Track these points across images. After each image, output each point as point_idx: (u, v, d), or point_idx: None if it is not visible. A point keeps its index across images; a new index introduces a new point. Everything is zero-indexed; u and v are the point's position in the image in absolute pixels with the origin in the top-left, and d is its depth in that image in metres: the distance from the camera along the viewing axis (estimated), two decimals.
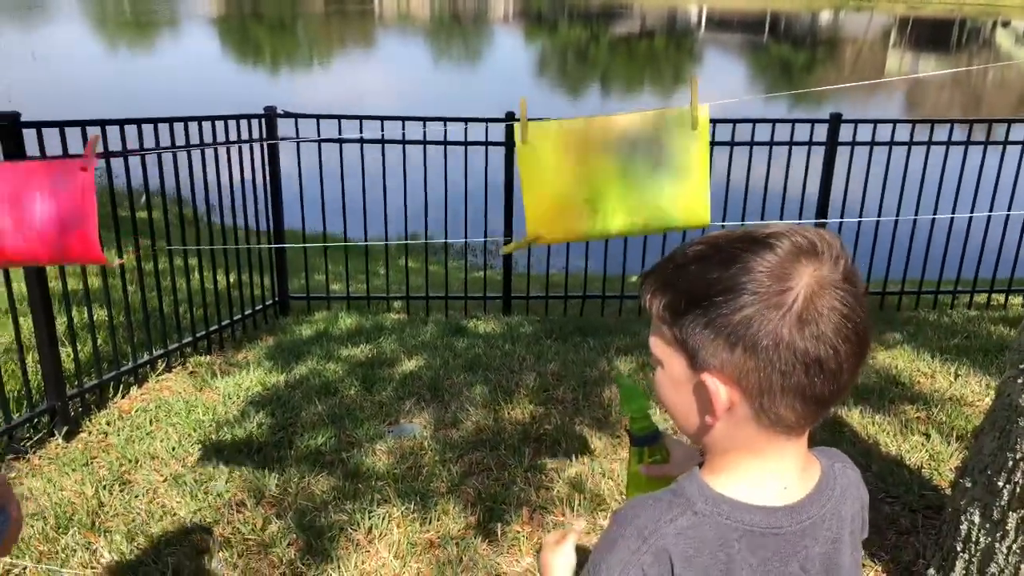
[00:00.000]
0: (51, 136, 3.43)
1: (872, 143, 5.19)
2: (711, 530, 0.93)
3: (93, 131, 3.67)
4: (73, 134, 3.56)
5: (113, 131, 3.75)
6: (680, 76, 32.09)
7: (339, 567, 2.68)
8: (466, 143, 5.11)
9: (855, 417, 3.69)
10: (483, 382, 4.10)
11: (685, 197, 1.86)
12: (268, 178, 5.16)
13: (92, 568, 2.65)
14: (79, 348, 4.02)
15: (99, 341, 3.99)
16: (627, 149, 1.82)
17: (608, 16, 56.79)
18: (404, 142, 5.11)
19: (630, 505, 0.99)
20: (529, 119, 1.79)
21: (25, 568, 2.65)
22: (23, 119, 3.33)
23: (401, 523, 2.92)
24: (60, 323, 3.97)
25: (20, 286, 3.81)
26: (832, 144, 5.26)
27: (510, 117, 5.07)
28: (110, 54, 30.02)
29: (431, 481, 3.20)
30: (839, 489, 1.01)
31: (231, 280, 4.90)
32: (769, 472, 0.96)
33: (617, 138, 1.83)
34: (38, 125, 3.40)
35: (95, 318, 4.10)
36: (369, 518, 2.94)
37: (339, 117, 5.00)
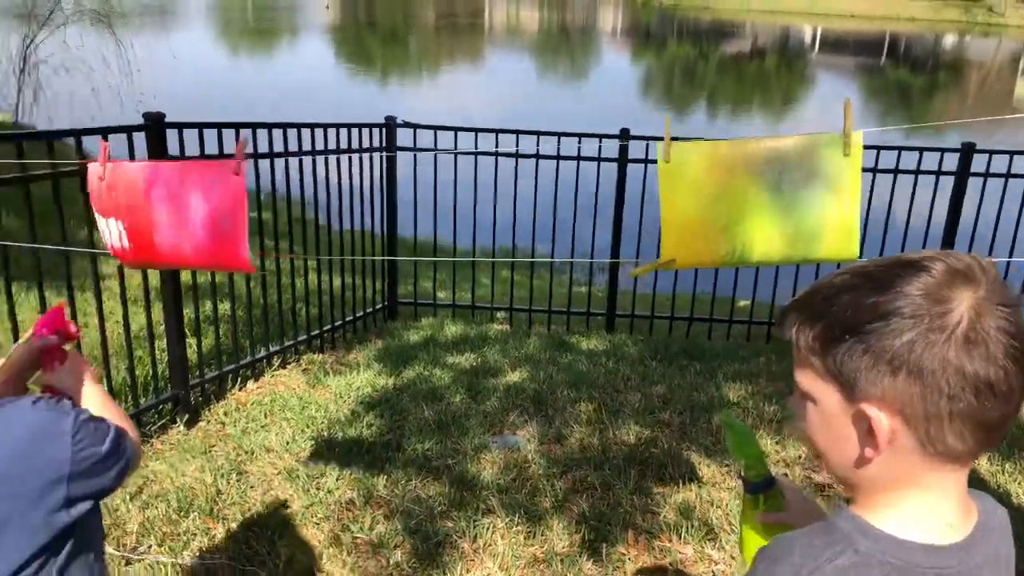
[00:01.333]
0: (189, 137, 3.62)
1: (1008, 175, 4.95)
2: (876, 570, 0.86)
3: (228, 134, 3.85)
4: (210, 136, 3.75)
5: (244, 134, 3.93)
6: (790, 97, 31.37)
7: (445, 574, 2.70)
8: (579, 158, 5.12)
9: (983, 465, 3.51)
10: (587, 399, 4.09)
11: (833, 228, 1.80)
12: (385, 185, 5.28)
13: (212, 555, 2.76)
14: (202, 340, 4.20)
15: (221, 334, 4.16)
16: (774, 174, 1.78)
17: (718, 34, 55.99)
18: (518, 155, 5.15)
19: (780, 542, 0.94)
20: (673, 138, 1.78)
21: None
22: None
23: (506, 535, 2.93)
24: (188, 316, 4.14)
25: (154, 278, 4.00)
26: (963, 174, 5.04)
27: (624, 134, 5.05)
28: (232, 60, 31.41)
29: (535, 495, 3.21)
30: (999, 530, 0.95)
31: (345, 282, 5.04)
32: (932, 508, 0.90)
33: (764, 162, 1.79)
34: (180, 126, 3.59)
35: (221, 311, 4.29)
36: (474, 527, 2.96)
37: (455, 129, 5.09)
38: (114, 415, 1.46)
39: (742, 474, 1.36)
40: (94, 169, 1.88)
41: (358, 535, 2.90)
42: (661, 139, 1.80)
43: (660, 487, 3.28)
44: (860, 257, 1.95)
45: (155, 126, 3.48)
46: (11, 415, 1.26)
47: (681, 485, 3.29)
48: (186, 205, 1.88)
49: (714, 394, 4.23)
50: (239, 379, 4.19)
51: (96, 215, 1.93)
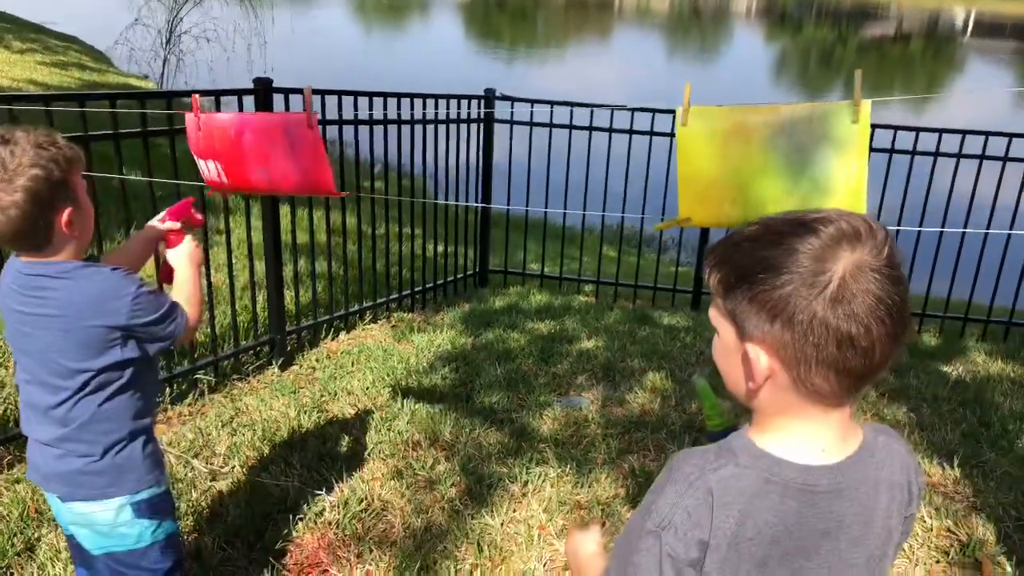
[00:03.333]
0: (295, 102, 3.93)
1: None
2: (751, 481, 1.02)
3: (331, 100, 4.15)
4: (315, 101, 4.05)
5: (347, 101, 4.22)
6: (935, 83, 29.78)
7: (492, 511, 2.91)
8: (672, 135, 5.17)
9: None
10: (657, 369, 4.20)
11: (840, 193, 1.88)
12: (481, 156, 5.50)
13: (286, 477, 3.07)
14: (301, 293, 4.55)
15: (319, 289, 4.50)
16: (785, 139, 1.86)
17: (860, 16, 53.50)
18: (611, 130, 5.26)
19: (680, 455, 1.10)
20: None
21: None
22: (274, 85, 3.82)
23: (556, 483, 3.11)
24: (289, 271, 4.50)
25: (256, 235, 4.36)
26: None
27: None
28: (363, 35, 32.43)
29: (589, 451, 3.37)
30: (879, 457, 1.08)
31: (439, 249, 5.30)
32: (808, 435, 1.03)
33: (775, 128, 1.87)
34: (285, 91, 3.90)
35: (320, 269, 4.64)
36: (526, 474, 3.16)
37: (551, 103, 5.25)
38: (188, 295, 1.94)
39: (705, 425, 1.46)
40: (190, 119, 2.18)
41: (419, 472, 3.15)
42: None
43: None
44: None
45: (263, 90, 3.80)
46: (95, 274, 1.73)
47: None
48: (272, 146, 2.17)
49: None
50: (332, 330, 4.52)
51: (196, 158, 2.23)
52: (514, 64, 27.32)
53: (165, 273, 2.03)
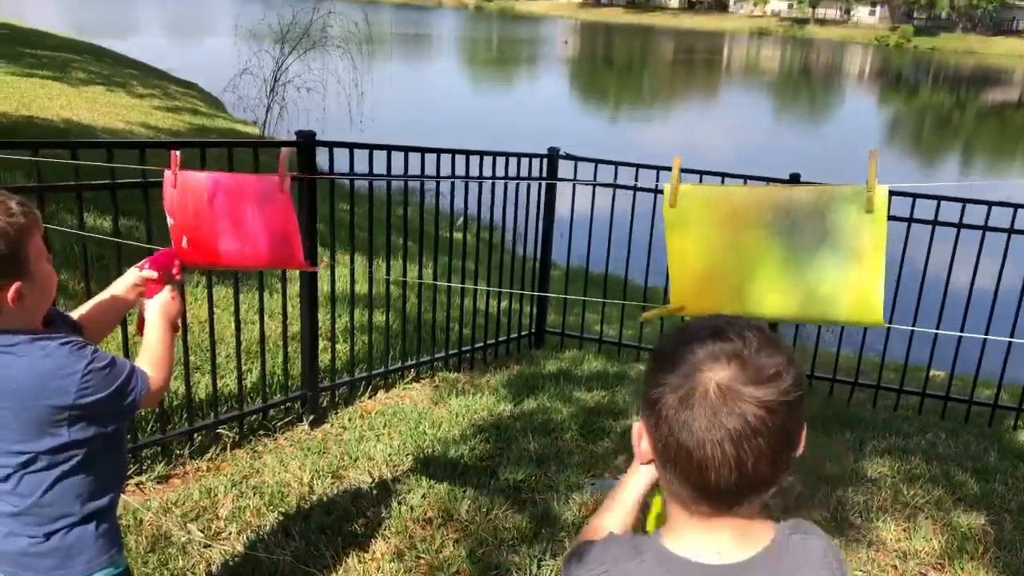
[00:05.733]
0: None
1: None
2: (653, 571, 1.08)
3: (380, 155, 4.07)
4: (362, 155, 3.99)
5: (413, 157, 4.18)
6: None
7: None
8: None
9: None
10: None
11: (853, 290, 1.58)
12: (543, 214, 5.33)
13: (282, 550, 2.89)
14: (341, 348, 4.43)
15: (360, 344, 4.37)
16: (787, 226, 1.59)
17: (981, 81, 51.44)
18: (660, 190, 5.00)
19: (612, 537, 1.19)
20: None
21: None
22: (317, 139, 3.75)
23: None
24: (329, 323, 4.38)
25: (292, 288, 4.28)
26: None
27: (794, 179, 4.77)
28: (466, 88, 33.11)
29: None
30: (792, 557, 1.09)
31: (489, 306, 5.12)
32: (701, 538, 1.07)
33: (776, 213, 1.60)
34: (330, 145, 3.83)
35: (366, 322, 4.52)
36: (539, 566, 2.89)
37: (616, 164, 5.06)
38: (155, 356, 1.81)
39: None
40: (167, 177, 2.07)
41: (423, 554, 2.92)
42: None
43: None
44: (889, 324, 1.71)
45: (305, 143, 3.74)
46: (40, 349, 1.60)
47: None
48: (243, 213, 2.02)
49: (850, 467, 3.86)
50: (371, 388, 4.37)
51: (168, 216, 2.12)
52: (618, 122, 27.30)
53: (141, 325, 1.91)
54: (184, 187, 2.05)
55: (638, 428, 1.11)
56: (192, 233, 2.06)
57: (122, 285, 1.94)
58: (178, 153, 2.05)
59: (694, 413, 0.97)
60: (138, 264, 1.96)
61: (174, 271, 1.96)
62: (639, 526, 1.33)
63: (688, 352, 1.00)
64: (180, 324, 2.14)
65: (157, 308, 1.89)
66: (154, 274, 1.91)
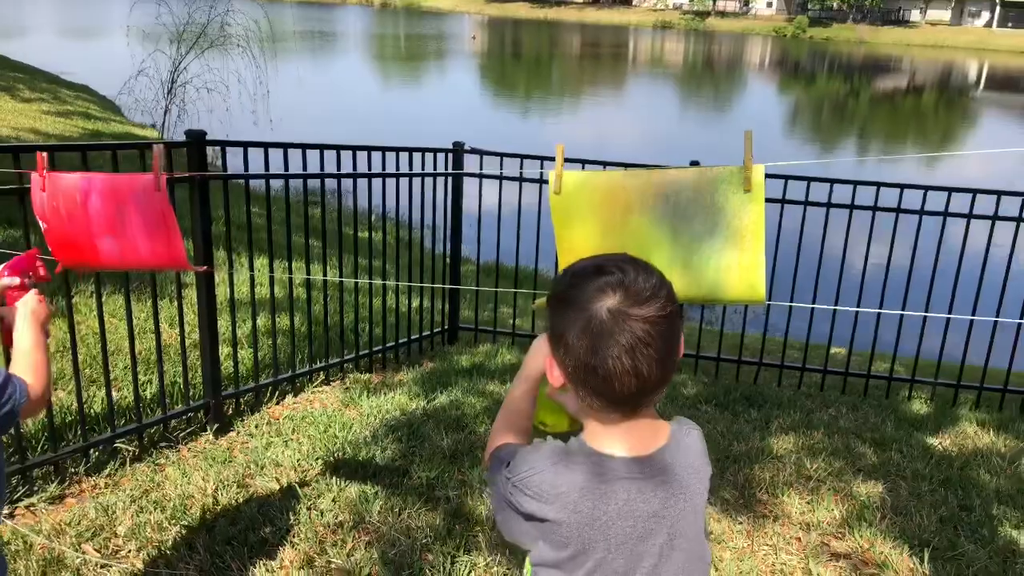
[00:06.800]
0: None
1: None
2: (577, 457, 1.28)
3: (276, 153, 3.96)
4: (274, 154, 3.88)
5: (312, 155, 4.05)
6: (949, 136, 29.65)
7: None
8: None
9: None
10: None
11: (736, 268, 1.61)
12: (450, 210, 5.28)
13: (185, 564, 2.78)
14: (245, 354, 4.30)
15: (265, 348, 4.24)
16: (669, 209, 1.61)
17: (872, 69, 53.66)
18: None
19: (545, 442, 1.35)
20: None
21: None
22: (208, 138, 3.62)
23: (483, 574, 2.81)
24: (230, 329, 4.25)
25: (189, 293, 4.14)
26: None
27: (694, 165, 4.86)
28: (375, 85, 32.76)
29: None
30: (684, 446, 1.34)
31: (400, 304, 5.05)
32: (608, 436, 1.28)
33: (658, 196, 1.62)
34: (222, 144, 3.71)
35: (276, 326, 4.40)
36: (452, 563, 2.86)
37: (521, 156, 5.05)
38: (31, 362, 1.70)
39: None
40: (36, 180, 1.95)
41: (333, 559, 2.86)
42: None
43: None
44: (768, 301, 1.75)
45: (196, 143, 3.60)
46: None
47: None
48: (118, 214, 1.92)
49: (756, 445, 3.95)
50: (278, 393, 4.25)
51: (39, 221, 2.00)
52: (529, 115, 27.40)
53: (7, 335, 1.79)
54: (54, 190, 1.93)
55: (547, 361, 1.28)
56: (68, 236, 1.95)
57: None
58: (44, 155, 1.93)
59: (594, 338, 1.16)
60: None
61: (41, 271, 1.86)
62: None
63: (579, 290, 1.19)
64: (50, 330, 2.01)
65: (26, 313, 1.78)
66: (16, 280, 1.80)
